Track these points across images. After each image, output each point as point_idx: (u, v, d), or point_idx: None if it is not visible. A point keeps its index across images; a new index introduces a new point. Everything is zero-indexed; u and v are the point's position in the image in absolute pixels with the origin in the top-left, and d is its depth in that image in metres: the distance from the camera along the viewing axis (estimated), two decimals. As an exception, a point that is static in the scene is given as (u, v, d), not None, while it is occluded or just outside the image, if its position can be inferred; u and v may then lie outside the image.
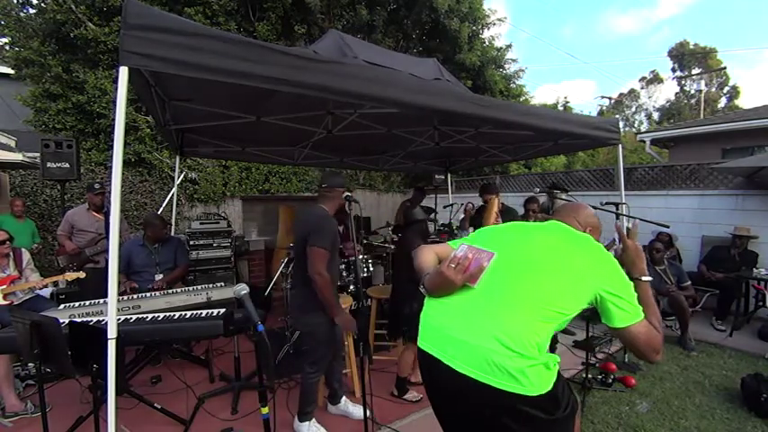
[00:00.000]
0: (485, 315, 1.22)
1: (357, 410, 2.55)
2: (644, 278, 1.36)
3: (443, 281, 1.29)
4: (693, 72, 23.05)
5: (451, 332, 1.25)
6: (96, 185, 3.67)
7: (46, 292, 3.46)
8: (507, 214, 3.55)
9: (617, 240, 1.49)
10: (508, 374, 1.12)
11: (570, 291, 1.21)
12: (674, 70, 25.12)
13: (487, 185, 3.72)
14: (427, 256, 1.51)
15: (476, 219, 3.57)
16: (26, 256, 3.20)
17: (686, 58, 23.80)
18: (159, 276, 3.37)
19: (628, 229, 1.52)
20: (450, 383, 1.22)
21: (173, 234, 4.49)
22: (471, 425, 1.26)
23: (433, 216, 5.79)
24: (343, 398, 2.70)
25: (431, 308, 1.37)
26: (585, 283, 1.22)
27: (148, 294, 3.00)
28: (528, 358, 1.13)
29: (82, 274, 3.02)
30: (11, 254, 3.08)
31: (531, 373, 1.12)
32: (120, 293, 2.97)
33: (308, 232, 2.24)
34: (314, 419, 2.42)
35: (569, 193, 6.62)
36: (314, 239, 2.20)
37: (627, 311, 1.20)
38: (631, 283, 1.26)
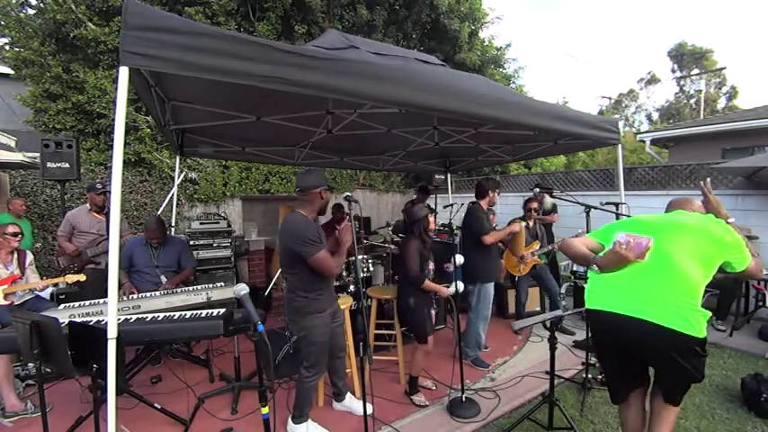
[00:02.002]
0: (659, 278, 1.71)
1: (362, 406, 2.55)
2: (729, 220, 1.89)
3: (619, 259, 1.78)
4: (692, 72, 23.04)
5: (635, 293, 1.73)
6: (98, 185, 3.63)
7: (46, 293, 3.46)
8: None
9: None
10: (683, 318, 1.61)
11: (709, 260, 1.71)
12: (673, 71, 25.15)
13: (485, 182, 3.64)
14: (580, 246, 1.99)
15: (470, 221, 3.50)
16: (29, 256, 3.20)
17: (685, 58, 23.79)
18: (164, 279, 3.34)
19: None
20: (637, 331, 1.69)
21: (173, 234, 4.49)
22: (648, 358, 1.79)
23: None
24: (348, 394, 2.71)
25: (606, 280, 1.85)
26: (718, 256, 1.71)
27: (148, 294, 2.99)
28: (693, 306, 1.63)
29: (82, 277, 3.01)
30: (15, 252, 3.08)
31: (697, 318, 1.62)
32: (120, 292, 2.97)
33: (294, 245, 2.16)
34: (310, 420, 2.42)
35: (567, 193, 6.65)
36: (307, 251, 2.14)
37: (743, 260, 1.73)
38: (743, 242, 1.74)
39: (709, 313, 1.67)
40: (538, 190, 3.89)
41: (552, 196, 5.22)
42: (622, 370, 1.94)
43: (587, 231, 3.47)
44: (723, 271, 1.80)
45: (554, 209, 5.34)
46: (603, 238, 2.00)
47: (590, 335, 2.04)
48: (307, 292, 2.27)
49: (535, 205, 4.18)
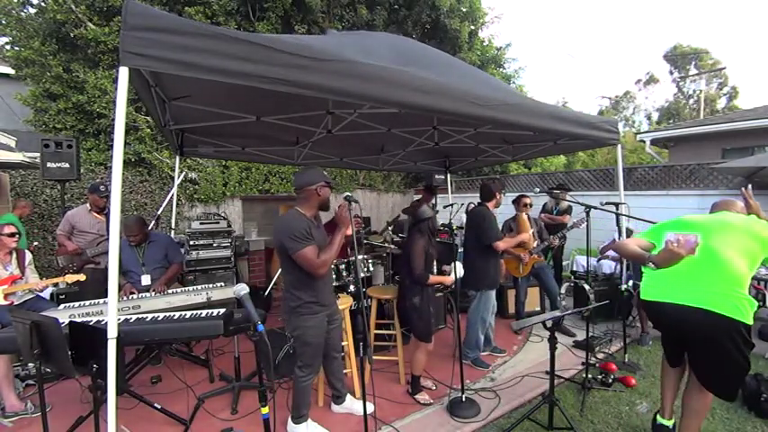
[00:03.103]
0: (709, 271, 1.92)
1: (361, 407, 2.55)
2: None
3: (672, 255, 1.92)
4: (691, 73, 23.02)
5: (689, 285, 1.94)
6: (102, 188, 3.60)
7: (46, 293, 3.46)
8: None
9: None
10: (734, 305, 1.82)
11: (753, 254, 1.93)
12: (671, 72, 25.14)
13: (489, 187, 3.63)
14: (634, 246, 2.18)
15: (478, 224, 3.49)
16: (29, 256, 3.20)
17: (683, 59, 23.77)
18: (146, 278, 3.26)
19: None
20: (694, 318, 1.90)
21: (173, 235, 4.49)
22: (705, 346, 1.96)
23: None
24: (348, 396, 2.71)
25: (661, 275, 2.05)
26: (762, 252, 1.94)
27: (148, 294, 2.99)
28: (741, 293, 1.84)
29: (82, 277, 3.00)
30: (14, 252, 3.08)
31: (745, 305, 1.83)
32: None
33: (282, 242, 2.17)
34: (310, 420, 2.42)
35: (570, 193, 6.65)
36: (292, 246, 2.13)
37: None
38: None
39: (756, 303, 1.85)
40: (538, 189, 3.93)
41: (552, 196, 5.23)
42: (676, 350, 2.24)
43: (587, 228, 3.49)
44: (764, 266, 1.95)
45: (568, 210, 5.33)
46: (654, 238, 2.19)
47: (647, 320, 2.28)
48: (300, 292, 2.26)
49: (528, 200, 4.13)
